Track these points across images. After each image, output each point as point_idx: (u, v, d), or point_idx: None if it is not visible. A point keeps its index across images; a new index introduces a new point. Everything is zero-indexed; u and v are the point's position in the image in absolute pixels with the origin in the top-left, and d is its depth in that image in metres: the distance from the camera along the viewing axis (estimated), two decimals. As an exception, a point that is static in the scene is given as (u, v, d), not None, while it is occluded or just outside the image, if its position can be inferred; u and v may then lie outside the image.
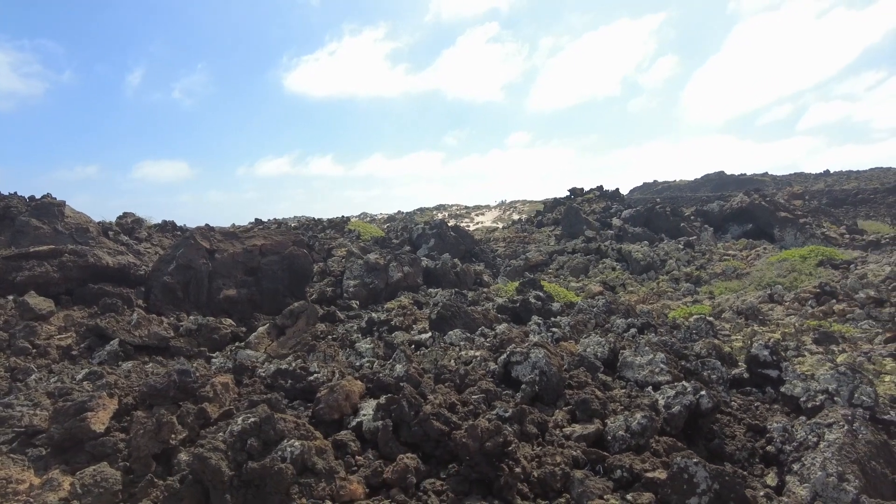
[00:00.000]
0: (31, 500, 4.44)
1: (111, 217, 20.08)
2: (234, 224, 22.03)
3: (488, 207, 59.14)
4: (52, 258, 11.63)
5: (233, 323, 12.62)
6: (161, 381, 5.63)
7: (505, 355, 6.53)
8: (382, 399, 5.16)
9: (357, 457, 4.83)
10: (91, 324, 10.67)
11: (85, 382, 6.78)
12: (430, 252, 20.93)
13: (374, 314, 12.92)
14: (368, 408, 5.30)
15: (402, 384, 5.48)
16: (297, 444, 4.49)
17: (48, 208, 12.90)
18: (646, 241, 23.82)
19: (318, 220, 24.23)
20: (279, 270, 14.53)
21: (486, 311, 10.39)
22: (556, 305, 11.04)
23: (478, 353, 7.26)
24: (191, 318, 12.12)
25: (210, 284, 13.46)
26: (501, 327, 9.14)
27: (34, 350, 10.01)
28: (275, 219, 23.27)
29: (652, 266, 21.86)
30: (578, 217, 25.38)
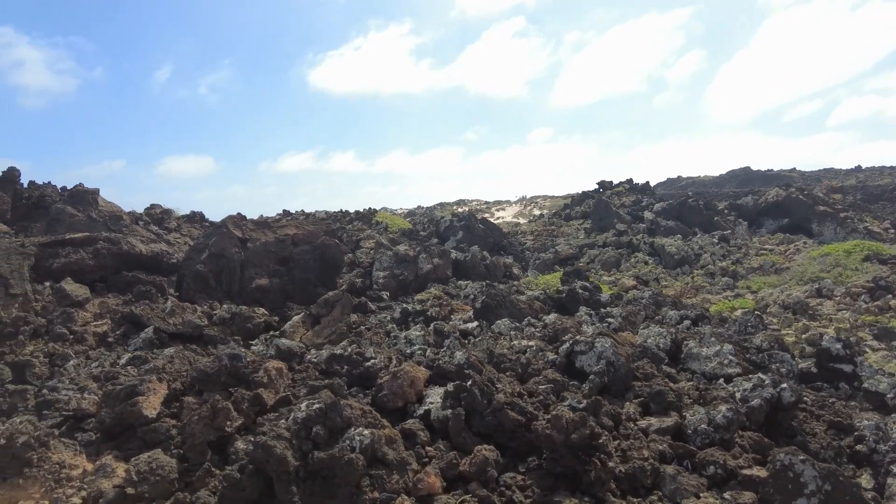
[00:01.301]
0: (86, 486, 4.18)
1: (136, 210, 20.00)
2: (261, 215, 21.89)
3: (509, 203, 58.56)
4: (87, 245, 11.47)
5: (265, 312, 12.38)
6: (212, 365, 5.35)
7: (567, 345, 6.16)
8: (450, 386, 4.81)
9: (427, 447, 4.50)
10: (126, 311, 10.48)
11: (129, 367, 6.53)
12: (459, 244, 20.59)
13: (406, 305, 12.61)
14: (435, 395, 4.95)
15: (466, 371, 5.13)
16: (366, 432, 4.16)
17: (83, 196, 12.77)
18: (679, 235, 23.24)
19: (346, 211, 24.00)
20: (311, 260, 14.28)
21: (532, 301, 10.00)
22: (604, 296, 10.62)
23: (531, 343, 6.89)
24: (224, 306, 11.91)
25: (242, 273, 13.24)
26: (551, 317, 8.74)
27: (71, 336, 9.84)
28: (302, 210, 23.10)
29: (686, 260, 21.29)
30: (609, 210, 24.85)
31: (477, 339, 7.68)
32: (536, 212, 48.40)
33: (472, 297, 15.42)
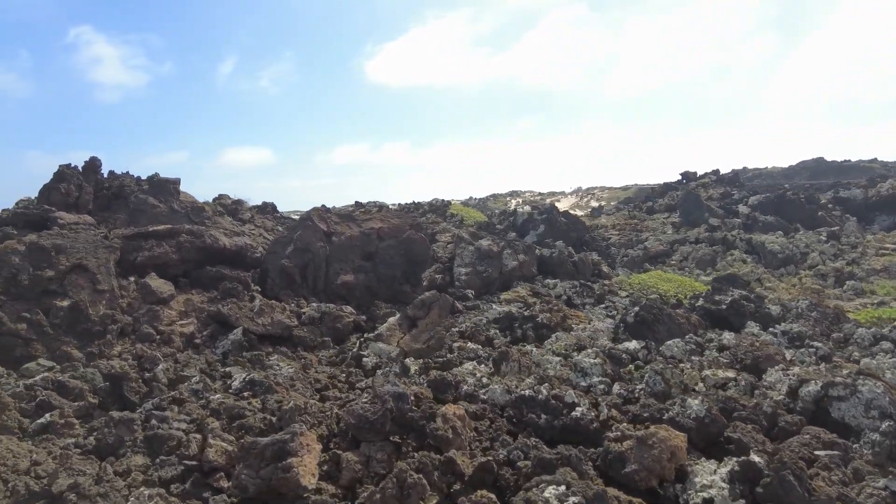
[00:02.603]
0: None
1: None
2: (322, 205, 21.19)
3: (563, 194, 56.64)
4: (170, 238, 10.87)
5: (353, 311, 11.54)
6: (373, 409, 4.32)
7: (814, 387, 4.82)
8: (735, 465, 3.58)
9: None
10: (212, 310, 9.80)
11: (248, 395, 5.65)
12: (540, 239, 19.32)
13: (510, 307, 11.48)
14: (704, 473, 3.76)
15: (733, 436, 3.84)
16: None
17: (164, 186, 12.22)
18: (779, 232, 21.26)
19: (419, 203, 23.08)
20: (396, 256, 13.36)
21: (688, 315, 8.62)
22: (774, 309, 9.07)
23: (728, 374, 5.63)
24: (312, 305, 11.11)
25: (327, 269, 12.44)
26: (728, 336, 7.31)
27: (158, 337, 9.20)
28: (375, 202, 22.34)
29: (791, 259, 19.36)
30: (699, 204, 23.01)
31: (664, 369, 6.29)
32: (594, 203, 46.34)
33: (564, 297, 14.20)
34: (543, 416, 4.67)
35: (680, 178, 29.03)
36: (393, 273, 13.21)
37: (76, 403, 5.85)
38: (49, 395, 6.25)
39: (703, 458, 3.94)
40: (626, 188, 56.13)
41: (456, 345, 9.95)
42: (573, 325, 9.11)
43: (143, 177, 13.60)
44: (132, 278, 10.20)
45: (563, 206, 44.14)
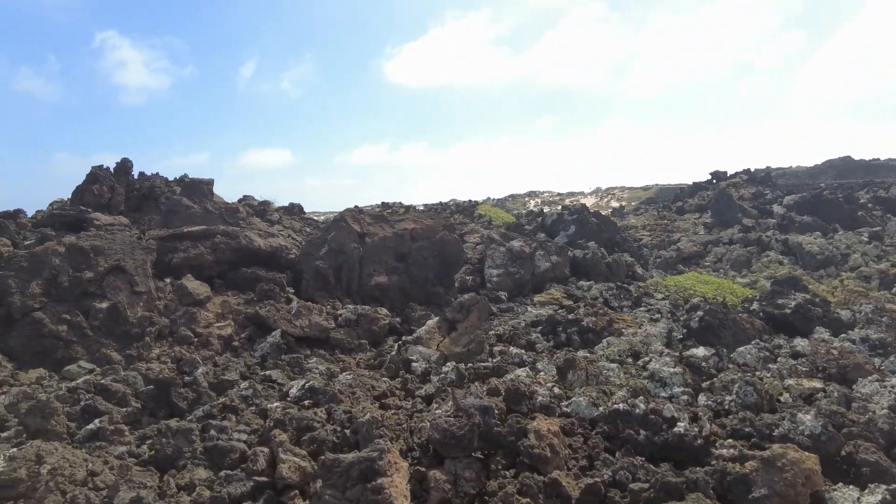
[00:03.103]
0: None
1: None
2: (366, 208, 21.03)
3: (583, 194, 56.14)
4: (205, 239, 10.76)
5: (387, 313, 11.33)
6: (458, 424, 4.03)
7: None
8: (882, 493, 3.28)
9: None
10: (250, 312, 9.65)
11: (308, 403, 5.39)
12: (571, 240, 18.98)
13: (544, 310, 11.20)
14: (846, 501, 3.47)
15: (865, 458, 3.54)
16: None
17: (198, 187, 12.13)
18: (817, 233, 20.68)
19: (445, 204, 22.85)
20: (429, 257, 13.14)
21: (752, 319, 8.25)
22: (844, 314, 8.63)
23: (814, 384, 5.29)
24: (348, 306, 10.92)
25: (361, 270, 12.25)
26: (802, 343, 6.93)
27: (196, 339, 9.07)
28: (400, 203, 22.18)
29: (831, 261, 18.79)
30: (731, 203, 22.47)
31: (754, 379, 5.84)
32: (615, 203, 45.72)
33: (600, 299, 13.85)
34: (642, 433, 4.37)
35: (709, 177, 28.44)
36: (426, 274, 12.99)
37: (124, 409, 5.70)
38: (94, 400, 6.11)
39: (840, 484, 3.61)
40: (646, 188, 55.42)
41: (496, 349, 9.69)
42: (622, 330, 8.78)
43: (185, 176, 13.53)
44: (168, 280, 10.09)
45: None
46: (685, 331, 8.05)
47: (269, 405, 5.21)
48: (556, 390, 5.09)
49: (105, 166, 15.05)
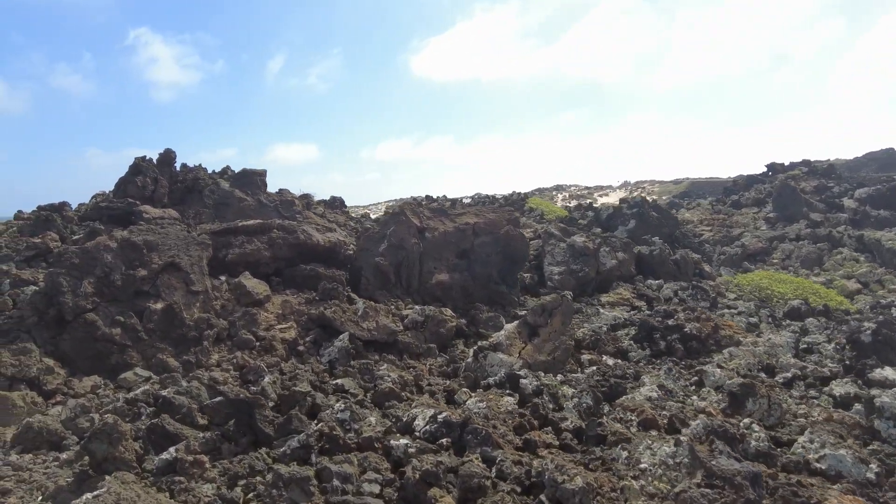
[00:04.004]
0: None
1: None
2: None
3: (611, 188, 54.71)
4: (261, 234, 9.99)
5: (452, 314, 10.45)
6: (723, 500, 2.95)
7: None
8: None
9: None
10: (314, 313, 8.86)
11: (446, 442, 4.34)
12: (630, 235, 17.89)
13: (616, 311, 10.20)
14: None
15: None
16: None
17: (250, 178, 11.38)
18: None
19: (493, 197, 21.88)
20: (492, 253, 12.22)
21: None
22: None
23: None
24: (412, 307, 10.07)
25: (421, 267, 11.40)
26: None
27: (257, 343, 8.31)
28: (445, 196, 21.30)
29: (914, 258, 17.40)
30: (795, 197, 21.11)
31: None
32: (646, 197, 44.23)
33: (675, 300, 12.81)
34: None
35: (765, 169, 26.99)
36: (489, 272, 12.09)
37: (201, 435, 4.91)
38: (161, 419, 5.34)
39: None
40: (677, 182, 53.68)
41: (584, 357, 8.76)
42: (731, 337, 7.77)
43: (228, 167, 12.80)
44: (223, 277, 9.36)
45: (611, 200, 42.27)
46: (846, 345, 6.99)
47: (392, 442, 4.32)
48: (757, 428, 4.11)
49: (148, 157, 14.45)
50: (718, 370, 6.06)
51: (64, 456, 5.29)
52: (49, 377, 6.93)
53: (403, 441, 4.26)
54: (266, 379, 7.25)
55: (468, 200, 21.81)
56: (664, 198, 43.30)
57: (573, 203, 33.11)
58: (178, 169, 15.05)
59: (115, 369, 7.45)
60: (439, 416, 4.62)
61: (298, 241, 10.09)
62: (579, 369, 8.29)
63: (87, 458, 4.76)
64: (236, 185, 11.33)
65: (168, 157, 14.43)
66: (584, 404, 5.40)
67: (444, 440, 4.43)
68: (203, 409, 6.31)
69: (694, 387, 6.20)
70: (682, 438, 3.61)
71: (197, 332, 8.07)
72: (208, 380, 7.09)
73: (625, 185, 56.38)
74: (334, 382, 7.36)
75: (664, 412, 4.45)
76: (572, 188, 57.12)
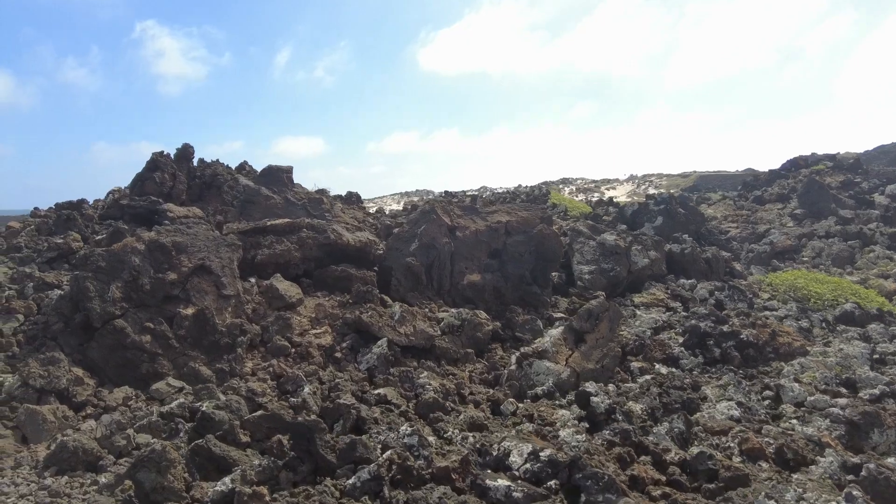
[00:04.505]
0: None
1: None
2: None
3: (618, 181, 54.13)
4: (291, 233, 9.59)
5: (487, 317, 10.04)
6: None
7: None
8: None
9: None
10: (350, 317, 8.46)
11: (554, 485, 3.81)
12: (657, 232, 17.44)
13: (653, 312, 9.78)
14: None
15: None
16: None
17: (276, 175, 10.97)
18: (928, 224, 18.73)
19: (515, 192, 21.45)
20: (525, 253, 11.80)
21: None
22: None
23: None
24: (450, 311, 9.67)
25: (452, 267, 10.99)
26: None
27: (293, 350, 7.92)
28: (465, 190, 20.82)
29: (950, 257, 16.94)
30: (823, 192, 20.60)
31: None
32: (652, 191, 43.60)
33: (711, 301, 12.38)
34: None
35: (787, 164, 26.45)
36: (521, 272, 11.66)
37: (257, 463, 4.51)
38: (208, 441, 4.96)
39: None
40: (685, 175, 52.99)
41: (634, 365, 8.35)
42: (791, 344, 7.35)
43: (245, 163, 12.37)
44: (252, 280, 8.96)
45: (619, 193, 41.76)
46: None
47: (489, 483, 3.89)
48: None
49: (166, 153, 14.04)
50: (797, 385, 5.63)
51: (103, 480, 4.92)
52: (78, 388, 6.57)
53: (503, 483, 3.82)
54: (306, 389, 6.88)
55: (488, 195, 21.33)
56: (672, 191, 42.67)
57: (580, 197, 32.60)
58: (195, 164, 14.65)
59: (146, 378, 7.07)
60: (541, 454, 4.15)
61: (329, 240, 9.68)
62: (630, 378, 7.89)
63: (130, 484, 4.38)
64: (262, 182, 10.92)
65: (186, 152, 14.02)
66: (675, 429, 4.98)
67: (551, 483, 3.98)
68: (244, 424, 5.94)
69: (769, 401, 5.79)
70: (854, 493, 3.18)
71: (230, 338, 7.68)
72: (246, 391, 6.72)
73: (631, 178, 55.70)
74: (376, 392, 6.98)
75: (767, 439, 4.04)
76: (578, 181, 56.51)
